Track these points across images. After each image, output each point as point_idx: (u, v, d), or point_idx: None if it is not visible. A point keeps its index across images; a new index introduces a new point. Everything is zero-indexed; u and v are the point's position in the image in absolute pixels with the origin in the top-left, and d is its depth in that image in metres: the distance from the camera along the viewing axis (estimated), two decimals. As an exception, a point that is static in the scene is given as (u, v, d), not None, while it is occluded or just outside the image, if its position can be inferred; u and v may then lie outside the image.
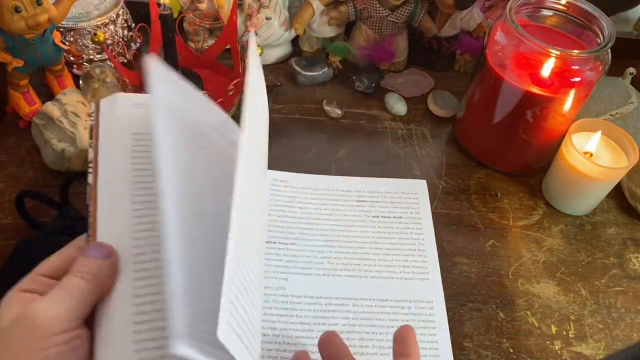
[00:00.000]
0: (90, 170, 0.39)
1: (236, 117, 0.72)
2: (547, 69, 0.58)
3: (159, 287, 0.34)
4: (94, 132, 0.40)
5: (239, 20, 0.72)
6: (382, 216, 0.60)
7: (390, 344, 0.41)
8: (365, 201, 0.61)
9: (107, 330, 0.33)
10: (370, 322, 0.51)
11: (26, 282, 0.33)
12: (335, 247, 0.56)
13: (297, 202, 0.59)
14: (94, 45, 0.71)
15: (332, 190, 0.61)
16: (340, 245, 0.56)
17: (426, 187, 0.63)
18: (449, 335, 0.52)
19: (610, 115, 0.70)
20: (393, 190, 0.62)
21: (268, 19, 0.74)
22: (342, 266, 0.55)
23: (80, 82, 0.66)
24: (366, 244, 0.57)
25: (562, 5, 0.62)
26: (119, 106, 0.42)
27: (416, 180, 0.64)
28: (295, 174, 0.62)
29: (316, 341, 0.42)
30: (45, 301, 0.31)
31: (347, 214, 0.59)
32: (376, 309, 0.52)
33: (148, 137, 0.41)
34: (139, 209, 0.37)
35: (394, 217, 0.60)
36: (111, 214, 0.37)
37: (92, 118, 0.41)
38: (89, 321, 0.33)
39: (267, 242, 0.55)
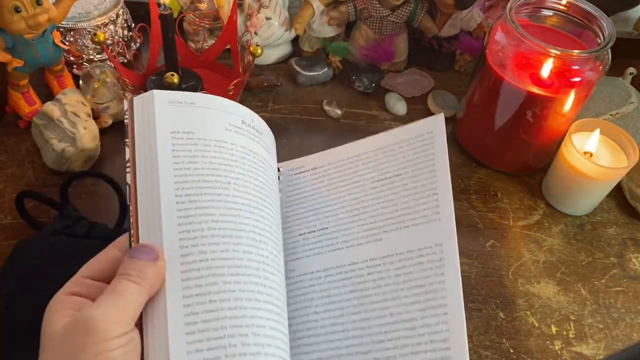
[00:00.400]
0: (128, 170, 0.38)
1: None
2: (547, 69, 0.58)
3: (208, 287, 0.35)
4: (129, 130, 0.39)
5: (239, 20, 0.72)
6: (393, 172, 0.53)
7: (388, 303, 0.43)
8: (377, 159, 0.55)
9: (159, 332, 0.33)
10: (372, 283, 0.47)
11: (71, 285, 0.33)
12: (345, 217, 0.52)
13: (311, 187, 0.56)
14: (94, 45, 0.71)
15: (346, 159, 0.57)
16: (350, 213, 0.52)
17: (443, 122, 0.54)
18: (460, 290, 0.45)
19: (610, 115, 0.70)
20: (406, 138, 0.55)
21: (268, 19, 0.74)
22: (350, 235, 0.51)
23: (80, 82, 0.66)
24: (374, 205, 0.52)
25: (562, 5, 0.62)
26: (156, 103, 0.41)
27: (430, 118, 0.55)
28: (305, 157, 0.57)
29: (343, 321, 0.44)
30: (100, 305, 0.31)
31: (356, 181, 0.54)
32: (381, 267, 0.48)
33: (188, 135, 0.41)
34: (183, 209, 0.37)
35: (406, 167, 0.53)
36: (155, 215, 0.36)
37: (126, 116, 0.40)
38: (138, 324, 0.33)
39: (307, 232, 0.53)
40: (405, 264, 0.47)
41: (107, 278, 0.34)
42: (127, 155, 0.39)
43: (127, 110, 0.40)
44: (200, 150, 0.41)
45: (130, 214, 0.37)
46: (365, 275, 0.47)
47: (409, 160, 0.54)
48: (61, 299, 0.33)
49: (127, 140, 0.39)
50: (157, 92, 0.41)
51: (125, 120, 0.40)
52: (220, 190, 0.39)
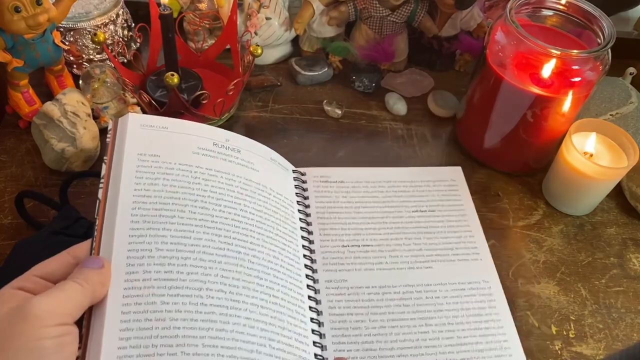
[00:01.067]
0: (101, 185, 0.41)
1: (236, 117, 0.72)
2: (547, 69, 0.58)
3: (146, 305, 0.37)
4: (109, 148, 0.42)
5: (239, 20, 0.72)
6: (427, 207, 0.60)
7: (452, 327, 0.48)
8: (407, 191, 0.62)
9: (96, 338, 0.35)
10: (433, 306, 0.52)
11: (20, 280, 0.35)
12: (388, 239, 0.57)
13: (342, 199, 0.60)
14: (94, 45, 0.71)
15: (373, 182, 0.62)
16: (392, 236, 0.57)
17: (462, 174, 0.65)
18: (510, 314, 0.53)
19: (611, 115, 0.70)
20: (431, 179, 0.63)
21: (268, 19, 0.74)
22: (398, 258, 0.55)
23: (80, 82, 0.66)
24: (416, 234, 0.58)
25: (562, 5, 0.62)
26: (128, 126, 0.44)
27: (451, 167, 0.66)
28: (333, 168, 0.62)
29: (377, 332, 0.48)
30: (42, 296, 0.33)
31: (391, 205, 0.60)
32: (437, 293, 0.53)
33: (154, 158, 0.43)
34: (136, 228, 0.40)
35: (438, 205, 0.61)
36: (110, 231, 0.39)
37: (109, 135, 0.43)
38: (79, 323, 0.35)
39: (350, 245, 0.56)
40: (460, 294, 0.53)
41: (56, 280, 0.36)
42: (103, 172, 0.41)
43: (110, 129, 0.43)
44: (162, 173, 0.43)
45: (96, 226, 0.39)
46: (424, 298, 0.52)
47: (440, 199, 0.62)
48: (7, 292, 0.34)
49: (105, 157, 0.42)
50: (132, 115, 0.44)
51: (108, 139, 0.43)
52: (175, 212, 0.42)
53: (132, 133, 0.44)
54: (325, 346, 0.47)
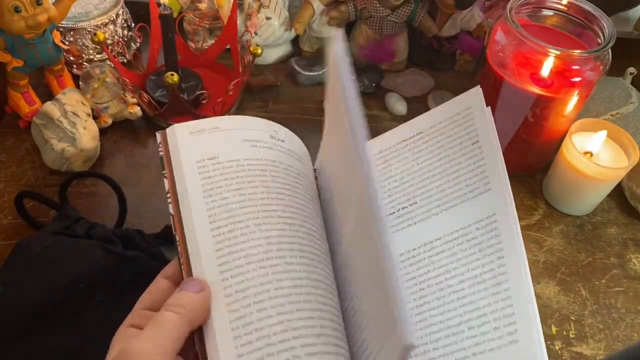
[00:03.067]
0: (169, 200, 0.40)
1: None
2: (547, 68, 0.58)
3: (251, 316, 0.35)
4: (165, 162, 0.41)
5: (239, 20, 0.72)
6: (444, 148, 0.54)
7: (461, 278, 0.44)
8: (427, 140, 0.55)
9: (212, 351, 0.34)
10: (439, 263, 0.48)
11: (130, 318, 0.35)
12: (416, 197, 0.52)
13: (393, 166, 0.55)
14: (94, 45, 0.71)
15: (400, 142, 0.56)
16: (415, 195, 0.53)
17: (482, 95, 0.55)
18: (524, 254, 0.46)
19: (611, 115, 0.70)
20: (447, 117, 0.56)
21: (268, 19, 0.74)
22: (415, 211, 0.52)
23: (80, 82, 0.66)
24: (432, 182, 0.53)
25: (563, 5, 0.62)
26: (177, 136, 0.42)
27: (468, 93, 0.55)
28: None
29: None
30: (140, 338, 0.33)
31: (417, 161, 0.55)
32: (441, 247, 0.49)
33: (212, 161, 0.42)
34: (219, 238, 0.38)
35: (451, 145, 0.54)
36: (196, 247, 0.38)
37: (160, 149, 0.41)
38: (184, 352, 0.34)
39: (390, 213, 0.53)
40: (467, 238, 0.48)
41: (160, 308, 0.35)
42: (166, 187, 0.40)
43: (160, 142, 0.42)
44: (227, 173, 0.41)
45: (177, 243, 0.38)
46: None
47: (453, 136, 0.54)
48: (120, 331, 0.34)
49: (164, 172, 0.41)
50: (177, 126, 0.42)
51: (160, 153, 0.41)
52: (252, 208, 0.40)
53: (184, 143, 0.42)
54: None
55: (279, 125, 0.48)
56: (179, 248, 0.38)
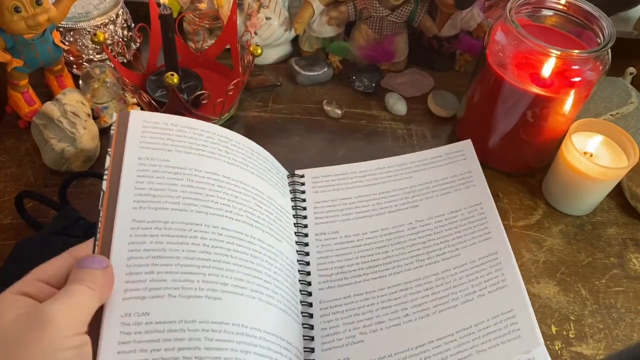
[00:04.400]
0: (105, 177, 0.41)
1: (236, 117, 0.72)
2: (547, 68, 0.58)
3: (146, 306, 0.36)
4: (113, 141, 0.43)
5: (239, 20, 0.72)
6: (433, 180, 0.60)
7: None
8: (410, 176, 0.61)
9: (101, 336, 0.35)
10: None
11: (23, 285, 0.33)
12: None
13: (344, 189, 0.59)
14: (94, 45, 0.71)
15: (373, 170, 0.61)
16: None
17: (472, 146, 0.62)
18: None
19: (611, 115, 0.70)
20: (439, 155, 0.62)
21: (268, 19, 0.74)
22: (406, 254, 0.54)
23: (80, 82, 0.66)
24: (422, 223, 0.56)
25: (562, 5, 0.62)
26: (131, 124, 0.44)
27: (460, 142, 0.63)
28: (332, 167, 0.61)
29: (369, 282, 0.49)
30: (56, 302, 0.31)
31: (393, 190, 0.59)
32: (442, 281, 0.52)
33: (152, 161, 0.43)
34: (136, 228, 0.40)
35: (444, 178, 0.60)
36: (113, 227, 0.39)
37: (112, 127, 0.43)
38: (89, 331, 0.34)
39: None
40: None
41: (58, 283, 0.34)
42: (107, 163, 0.42)
43: (115, 121, 0.44)
44: (162, 172, 0.44)
45: (100, 218, 0.39)
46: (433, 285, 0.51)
47: (446, 173, 0.61)
48: (10, 297, 0.32)
49: (109, 150, 0.42)
50: (134, 113, 0.45)
51: (112, 131, 0.43)
52: (175, 211, 0.42)
53: (134, 133, 0.44)
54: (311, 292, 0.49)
55: (235, 134, 0.50)
56: (100, 223, 0.39)
